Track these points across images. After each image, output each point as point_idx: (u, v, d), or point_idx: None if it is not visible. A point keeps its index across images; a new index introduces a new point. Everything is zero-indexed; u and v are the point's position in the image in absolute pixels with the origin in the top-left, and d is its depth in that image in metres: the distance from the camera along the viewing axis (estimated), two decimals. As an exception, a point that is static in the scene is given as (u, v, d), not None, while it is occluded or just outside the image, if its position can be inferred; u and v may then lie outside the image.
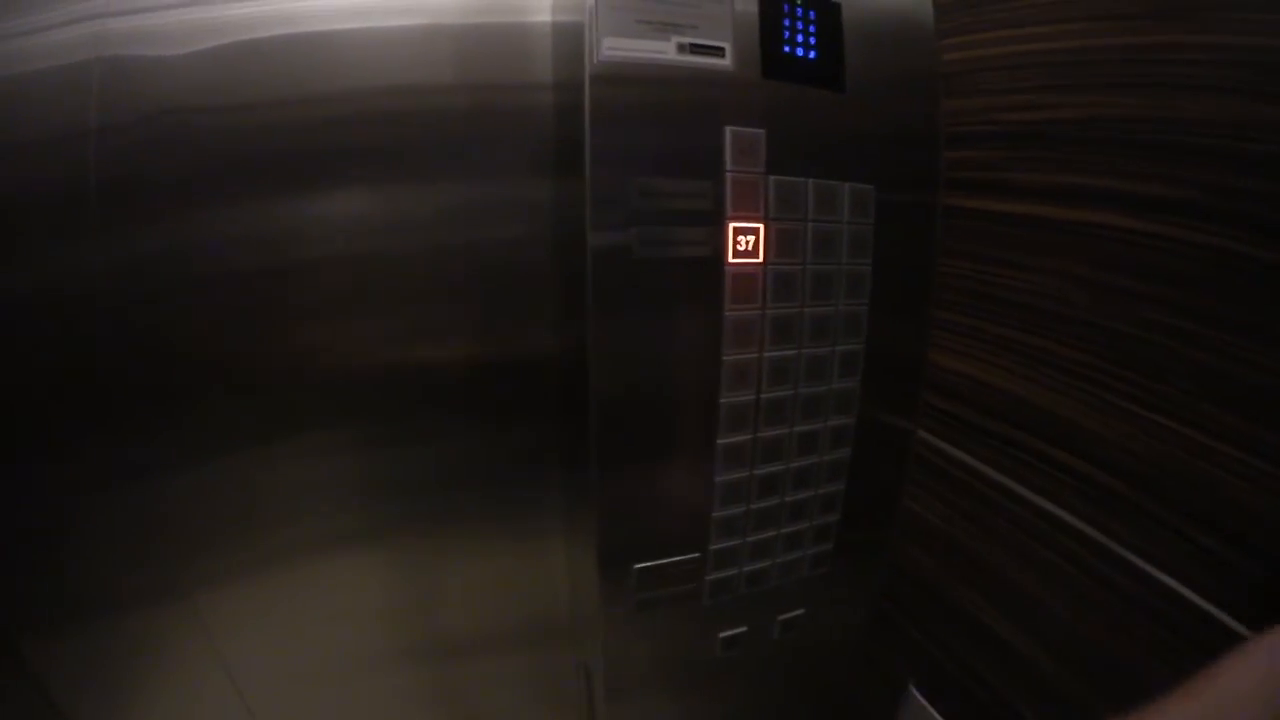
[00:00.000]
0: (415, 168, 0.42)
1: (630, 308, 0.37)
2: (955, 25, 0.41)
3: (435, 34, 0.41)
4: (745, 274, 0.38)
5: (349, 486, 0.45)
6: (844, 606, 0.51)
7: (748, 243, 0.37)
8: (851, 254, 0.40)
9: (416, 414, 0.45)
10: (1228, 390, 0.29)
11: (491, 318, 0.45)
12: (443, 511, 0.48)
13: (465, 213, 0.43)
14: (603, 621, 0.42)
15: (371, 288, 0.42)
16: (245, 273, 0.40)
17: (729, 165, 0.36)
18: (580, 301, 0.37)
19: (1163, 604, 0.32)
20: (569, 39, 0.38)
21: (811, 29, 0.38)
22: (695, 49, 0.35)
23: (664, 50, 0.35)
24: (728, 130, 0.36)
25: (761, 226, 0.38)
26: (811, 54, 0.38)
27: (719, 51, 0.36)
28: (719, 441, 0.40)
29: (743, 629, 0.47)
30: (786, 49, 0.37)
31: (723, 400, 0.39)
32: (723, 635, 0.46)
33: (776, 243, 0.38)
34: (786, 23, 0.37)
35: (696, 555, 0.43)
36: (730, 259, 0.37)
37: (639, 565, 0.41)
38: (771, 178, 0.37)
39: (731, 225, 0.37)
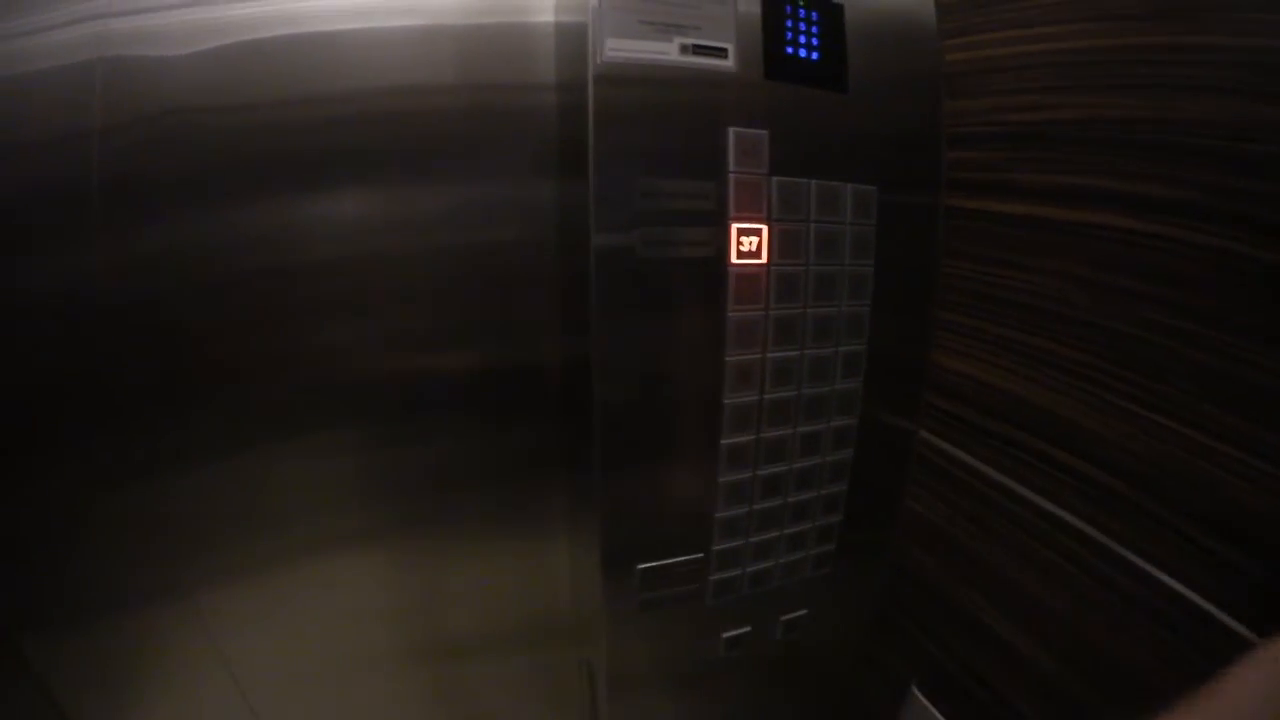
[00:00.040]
0: (417, 168, 0.42)
1: (634, 308, 0.37)
2: (956, 26, 0.41)
3: (437, 34, 0.41)
4: (748, 275, 0.38)
5: (352, 487, 0.45)
6: (846, 607, 0.51)
7: (751, 244, 0.37)
8: (854, 255, 0.40)
9: (419, 414, 0.45)
10: (1228, 390, 0.29)
11: (494, 318, 0.45)
12: (446, 512, 0.48)
13: (467, 213, 0.43)
14: (606, 621, 0.42)
15: (374, 288, 0.42)
16: (248, 273, 0.40)
17: (732, 166, 0.36)
18: (583, 302, 0.37)
19: (1163, 604, 0.32)
20: (572, 39, 0.38)
21: (814, 30, 0.38)
22: (698, 50, 0.35)
23: (667, 51, 0.35)
24: (731, 131, 0.36)
25: (764, 227, 0.38)
26: (814, 55, 0.38)
27: (722, 52, 0.36)
28: (722, 442, 0.40)
29: (746, 629, 0.47)
30: (789, 50, 0.37)
31: (726, 401, 0.39)
32: (726, 635, 0.46)
33: (779, 244, 0.38)
34: (789, 24, 0.37)
35: (700, 555, 0.43)
36: (733, 260, 0.37)
37: (642, 565, 0.41)
38: (774, 179, 0.37)
39: (735, 226, 0.37)
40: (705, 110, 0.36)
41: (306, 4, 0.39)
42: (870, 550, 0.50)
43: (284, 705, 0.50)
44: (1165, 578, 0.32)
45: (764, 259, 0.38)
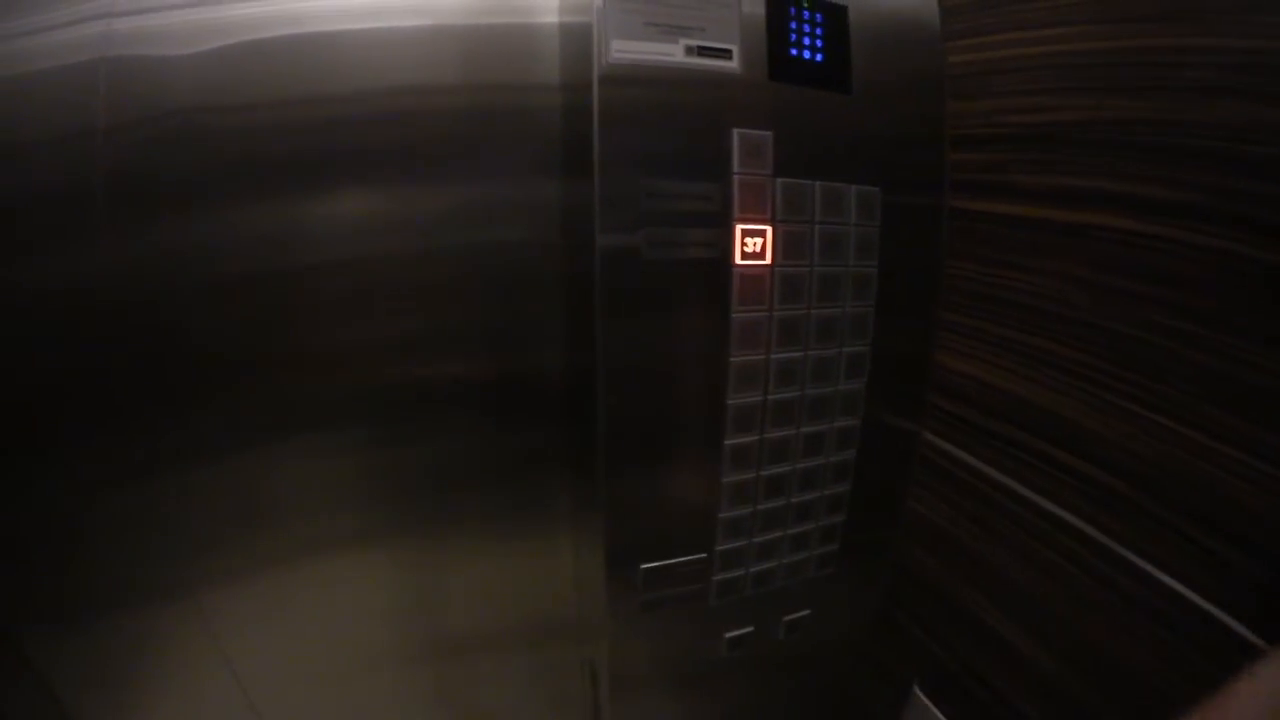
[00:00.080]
0: (421, 169, 0.42)
1: (638, 309, 0.37)
2: (965, 28, 0.41)
3: (441, 35, 0.41)
4: (753, 275, 0.38)
5: (355, 487, 0.45)
6: (849, 607, 0.51)
7: (755, 244, 0.38)
8: (858, 256, 0.41)
9: (423, 414, 0.45)
10: (1228, 391, 0.29)
11: (498, 318, 0.45)
12: (449, 512, 0.48)
13: (471, 213, 0.43)
14: (609, 621, 0.42)
15: (378, 288, 0.42)
16: (251, 273, 0.40)
17: (736, 167, 0.37)
18: (588, 302, 0.37)
19: (1164, 604, 0.32)
20: (576, 40, 0.38)
21: (818, 31, 0.38)
22: (703, 51, 0.35)
23: (672, 52, 0.35)
24: (735, 132, 0.36)
25: (769, 228, 0.38)
26: (818, 56, 0.38)
27: (726, 54, 0.36)
28: (726, 442, 0.40)
29: (748, 629, 0.47)
30: (793, 51, 0.37)
31: (730, 401, 0.40)
32: (728, 635, 0.47)
33: (784, 245, 0.38)
34: (793, 25, 0.37)
35: (703, 556, 0.43)
36: (738, 260, 0.37)
37: (646, 565, 0.42)
38: (779, 180, 0.38)
39: (739, 227, 0.37)
40: (710, 111, 0.36)
41: (309, 4, 0.39)
42: (873, 551, 0.50)
43: (286, 704, 0.50)
44: (1166, 578, 0.32)
45: (768, 260, 0.38)
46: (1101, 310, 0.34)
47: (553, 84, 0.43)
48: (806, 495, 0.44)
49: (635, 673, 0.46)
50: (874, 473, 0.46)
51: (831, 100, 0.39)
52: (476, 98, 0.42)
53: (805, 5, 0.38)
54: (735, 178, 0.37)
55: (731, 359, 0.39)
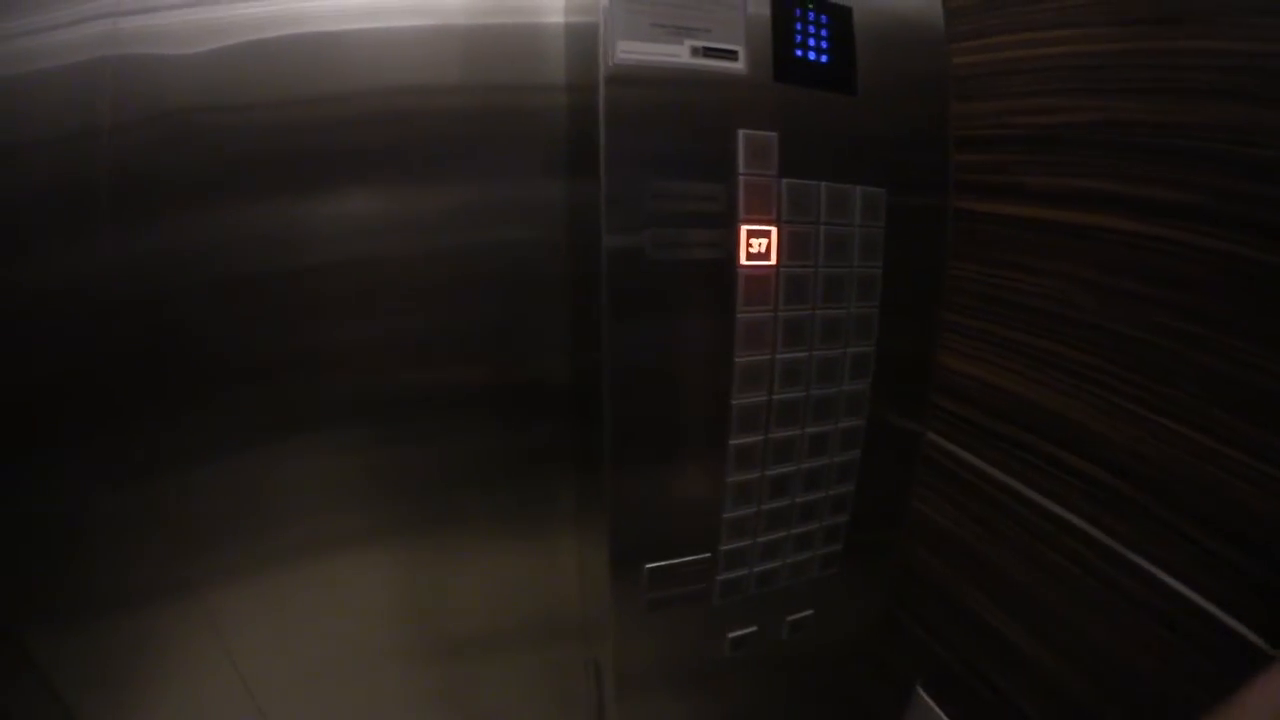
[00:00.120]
0: (425, 169, 0.42)
1: (644, 309, 0.37)
2: (971, 29, 0.41)
3: (445, 34, 0.41)
4: (758, 276, 0.38)
5: (359, 486, 0.45)
6: (852, 608, 0.51)
7: (760, 245, 0.38)
8: (863, 257, 0.41)
9: (427, 414, 0.45)
10: (1235, 394, 0.29)
11: (503, 319, 0.45)
12: (453, 511, 0.48)
13: (476, 214, 0.43)
14: (613, 621, 0.43)
15: (382, 288, 0.42)
16: (255, 272, 0.39)
17: (742, 168, 0.37)
18: (593, 302, 0.37)
19: (1169, 607, 0.32)
20: (582, 41, 0.38)
21: (823, 32, 0.38)
22: (708, 52, 0.35)
23: (678, 53, 0.35)
24: (741, 133, 0.36)
25: (774, 229, 0.38)
26: (823, 57, 0.38)
27: (732, 55, 0.36)
28: (731, 442, 0.40)
29: (752, 629, 0.47)
30: (799, 52, 0.37)
31: (735, 401, 0.40)
32: (732, 635, 0.47)
33: (789, 245, 0.38)
34: (799, 26, 0.37)
35: (707, 555, 0.43)
36: (743, 261, 0.37)
37: (650, 565, 0.42)
38: (784, 180, 0.38)
39: (744, 228, 0.37)
40: (715, 112, 0.36)
41: (313, 4, 0.39)
42: (877, 551, 0.50)
43: (291, 703, 0.50)
44: (1171, 580, 0.32)
45: (773, 260, 0.38)
46: (1108, 312, 0.34)
47: (558, 84, 0.42)
48: (811, 495, 0.44)
49: (639, 672, 0.46)
50: (878, 473, 0.46)
51: (837, 101, 0.39)
52: (481, 98, 0.42)
53: (810, 7, 0.38)
54: (740, 178, 0.37)
55: (736, 359, 0.39)
